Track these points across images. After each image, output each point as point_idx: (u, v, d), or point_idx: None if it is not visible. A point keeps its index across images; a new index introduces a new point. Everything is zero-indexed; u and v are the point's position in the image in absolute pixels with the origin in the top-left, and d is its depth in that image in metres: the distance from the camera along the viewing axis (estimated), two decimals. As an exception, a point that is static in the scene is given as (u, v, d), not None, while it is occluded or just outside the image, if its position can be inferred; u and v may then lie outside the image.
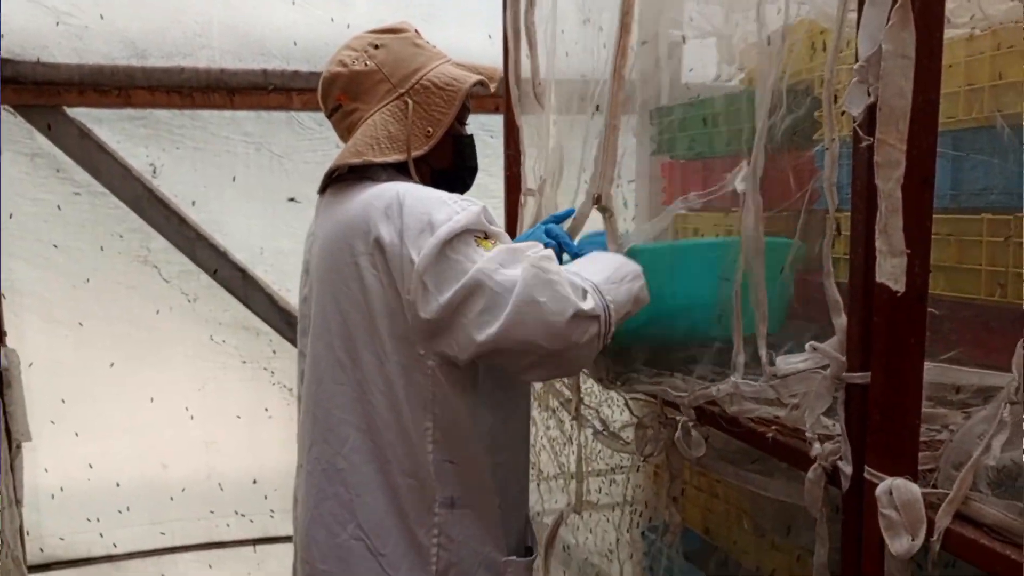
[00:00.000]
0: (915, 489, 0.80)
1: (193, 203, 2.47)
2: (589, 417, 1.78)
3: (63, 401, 2.40)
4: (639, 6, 1.77)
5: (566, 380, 1.78)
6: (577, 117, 1.83)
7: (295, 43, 2.41)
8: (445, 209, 1.19)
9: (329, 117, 1.40)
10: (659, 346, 1.39)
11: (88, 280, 2.41)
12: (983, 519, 0.75)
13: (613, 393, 1.72)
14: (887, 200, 0.82)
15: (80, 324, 2.41)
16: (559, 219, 1.51)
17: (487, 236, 1.20)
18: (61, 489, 2.45)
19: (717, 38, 1.81)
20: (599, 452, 1.83)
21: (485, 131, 2.39)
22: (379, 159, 1.28)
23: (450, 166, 1.38)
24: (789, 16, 1.33)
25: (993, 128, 1.21)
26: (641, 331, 1.34)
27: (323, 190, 1.39)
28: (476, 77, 1.34)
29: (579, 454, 1.81)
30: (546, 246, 1.40)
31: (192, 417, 2.52)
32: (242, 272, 2.51)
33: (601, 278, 1.20)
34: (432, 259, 1.15)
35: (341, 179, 1.35)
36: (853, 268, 0.89)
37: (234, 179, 2.48)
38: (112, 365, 2.45)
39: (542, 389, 1.93)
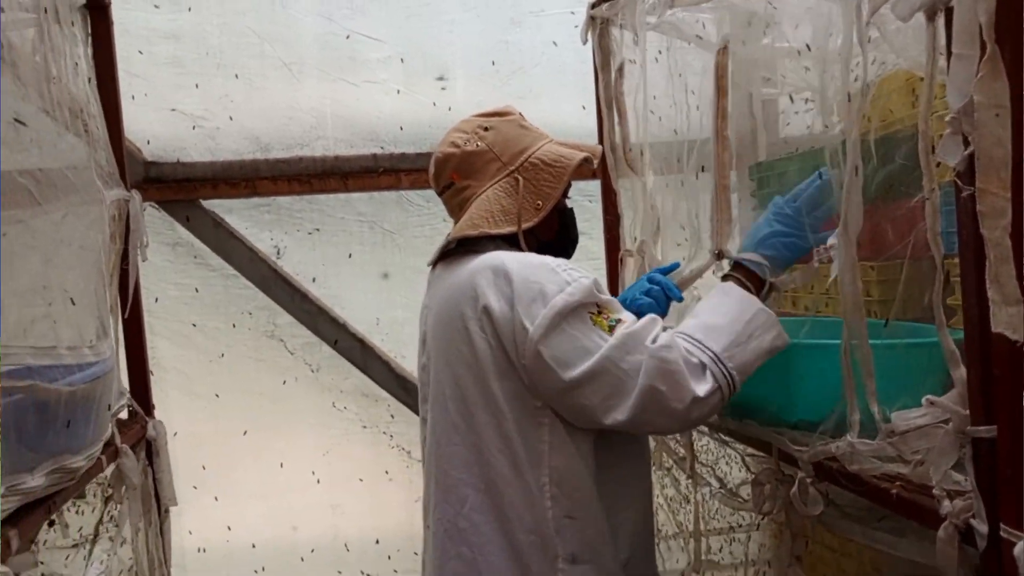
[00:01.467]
0: (1054, 547, 0.77)
1: (314, 280, 2.64)
2: (705, 475, 1.76)
3: (203, 468, 2.58)
4: (731, 66, 1.82)
5: (679, 438, 1.78)
6: (672, 177, 1.88)
7: (401, 128, 2.58)
8: (556, 279, 1.24)
9: (440, 195, 1.48)
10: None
11: (223, 355, 2.61)
12: None
13: (729, 450, 1.70)
14: (995, 248, 0.81)
15: (217, 396, 2.61)
16: (664, 271, 1.53)
17: (599, 309, 1.24)
18: (204, 550, 2.62)
19: (811, 91, 1.81)
20: (717, 510, 1.80)
21: (584, 196, 2.46)
22: (494, 231, 1.35)
23: (554, 238, 1.44)
24: (876, 69, 1.34)
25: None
26: (757, 416, 1.34)
27: (434, 264, 1.48)
28: (582, 154, 1.41)
29: (696, 512, 1.79)
30: (648, 292, 1.44)
31: (319, 481, 2.65)
32: (360, 342, 2.64)
33: (723, 344, 1.20)
34: (548, 330, 1.21)
35: (449, 253, 1.43)
36: (967, 319, 0.88)
37: (350, 256, 2.65)
38: (245, 433, 2.62)
39: (656, 448, 1.93)
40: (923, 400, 0.95)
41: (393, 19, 2.54)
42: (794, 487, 1.25)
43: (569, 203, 1.50)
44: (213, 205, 2.59)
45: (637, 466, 1.41)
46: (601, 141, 2.02)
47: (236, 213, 2.61)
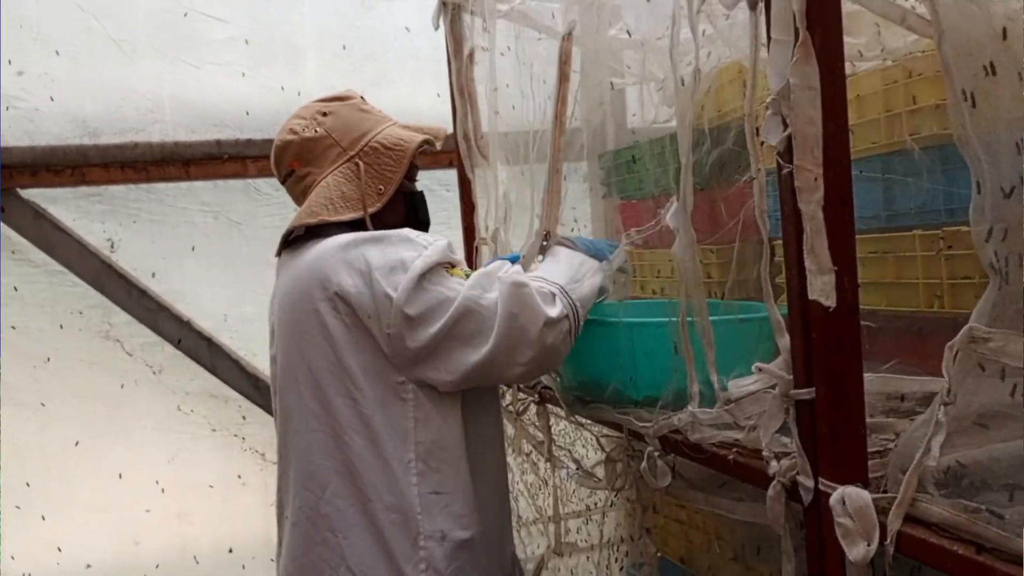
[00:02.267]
0: (865, 495, 0.83)
1: (153, 275, 2.47)
2: (562, 458, 1.79)
3: (28, 484, 2.35)
4: (579, 57, 1.85)
5: (537, 423, 1.80)
6: (524, 167, 1.90)
7: (247, 112, 2.46)
8: (412, 246, 1.27)
9: (283, 183, 1.46)
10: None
11: (48, 359, 2.39)
12: (931, 519, 0.78)
13: (586, 433, 1.74)
14: (811, 221, 0.87)
15: (43, 404, 2.38)
16: (510, 260, 1.56)
17: (454, 265, 1.29)
18: (29, 575, 2.38)
19: (654, 82, 1.89)
20: (574, 491, 1.84)
21: (441, 185, 2.44)
22: (334, 218, 1.34)
23: (403, 221, 1.43)
24: (711, 61, 1.41)
25: (916, 150, 1.28)
26: (603, 394, 1.38)
27: (280, 252, 1.44)
28: (422, 137, 1.42)
29: (554, 495, 1.82)
30: None
31: (163, 490, 2.48)
32: (207, 340, 2.50)
33: (564, 279, 1.31)
34: (411, 292, 1.23)
35: (296, 240, 1.39)
36: (790, 289, 0.94)
37: (193, 248, 2.49)
38: (77, 444, 2.41)
39: (515, 434, 1.95)
40: (753, 368, 1.01)
41: (236, -2, 2.42)
42: (643, 462, 1.29)
43: (418, 186, 1.49)
44: (33, 195, 2.36)
45: (495, 444, 1.43)
46: (455, 129, 2.01)
47: (61, 203, 2.39)
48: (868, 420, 0.92)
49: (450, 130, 1.79)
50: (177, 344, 2.48)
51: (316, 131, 1.39)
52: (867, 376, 0.93)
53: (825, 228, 0.87)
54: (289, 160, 1.41)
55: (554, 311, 1.24)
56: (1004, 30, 0.78)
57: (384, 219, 1.39)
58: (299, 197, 1.43)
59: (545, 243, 1.48)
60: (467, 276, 1.28)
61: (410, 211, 1.45)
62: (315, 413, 1.29)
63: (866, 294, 1.29)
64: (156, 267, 2.47)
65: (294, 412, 1.34)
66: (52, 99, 2.32)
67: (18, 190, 2.35)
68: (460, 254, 2.07)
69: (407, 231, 1.31)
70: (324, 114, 1.40)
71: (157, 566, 2.49)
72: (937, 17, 0.81)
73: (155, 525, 2.48)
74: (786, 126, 0.89)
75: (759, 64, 1.00)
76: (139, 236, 2.46)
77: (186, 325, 2.48)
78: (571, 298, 1.28)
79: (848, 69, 1.39)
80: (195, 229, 2.49)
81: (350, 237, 1.29)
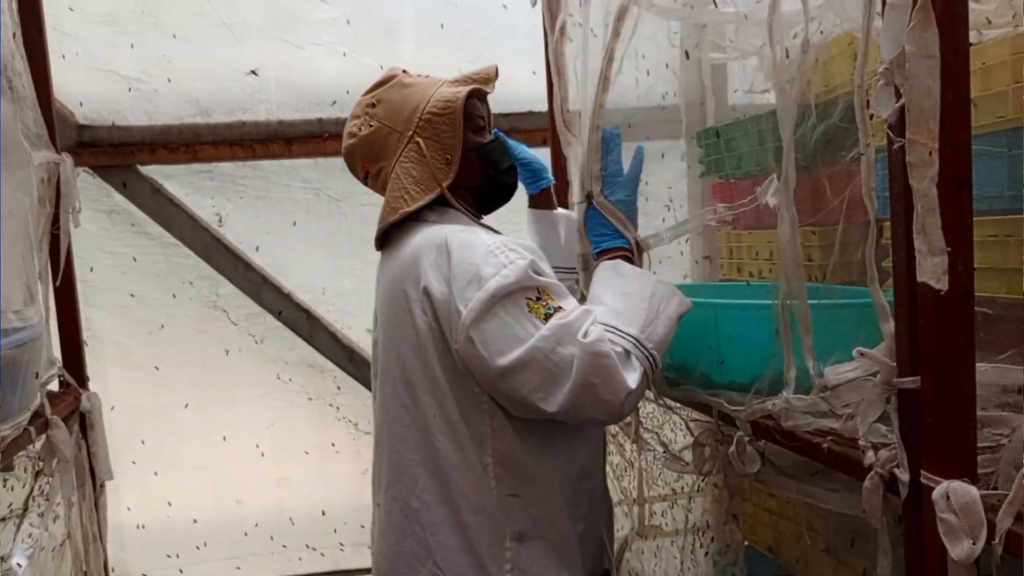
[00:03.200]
0: (973, 491, 0.78)
1: (257, 249, 2.58)
2: (650, 441, 1.77)
3: (142, 442, 2.51)
4: (679, 31, 1.80)
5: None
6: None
7: (347, 91, 2.51)
8: (492, 261, 1.20)
9: (365, 183, 1.46)
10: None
11: (163, 326, 2.54)
12: (1045, 519, 0.73)
13: (674, 417, 1.71)
14: (923, 199, 0.82)
15: (156, 368, 2.53)
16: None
17: (538, 295, 1.20)
18: (142, 526, 2.55)
19: (758, 57, 1.81)
20: (660, 475, 1.82)
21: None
22: (413, 207, 1.32)
23: (483, 177, 1.40)
24: (819, 30, 1.34)
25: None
26: (693, 379, 1.35)
27: (380, 245, 1.43)
28: (467, 88, 1.35)
29: (640, 477, 1.80)
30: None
31: (263, 454, 2.60)
32: (306, 312, 2.59)
33: (638, 325, 1.21)
34: (480, 315, 1.18)
35: (394, 227, 1.38)
36: (896, 271, 0.89)
37: (295, 224, 2.59)
38: (187, 406, 2.55)
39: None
40: (854, 353, 0.96)
41: (337, -21, 2.48)
42: (732, 446, 1.26)
43: (489, 137, 1.43)
44: (151, 171, 2.50)
45: (583, 444, 1.38)
46: (550, 106, 2.00)
47: (176, 179, 2.52)
48: (979, 413, 0.86)
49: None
50: (278, 315, 2.59)
51: (371, 125, 1.36)
52: (980, 366, 0.87)
53: (939, 206, 0.81)
54: (359, 163, 1.41)
55: (634, 378, 1.16)
56: None
57: (464, 182, 1.37)
58: (381, 191, 1.41)
59: (587, 203, 1.41)
60: (546, 317, 1.18)
61: (489, 165, 1.39)
62: (408, 409, 1.30)
63: (984, 280, 1.21)
64: (260, 241, 2.57)
65: (390, 404, 1.34)
66: (169, 80, 2.45)
67: (138, 166, 2.49)
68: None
69: (491, 241, 1.23)
70: (373, 105, 1.37)
71: (256, 525, 2.62)
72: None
73: (255, 486, 2.61)
74: (899, 97, 0.84)
75: (872, 33, 0.94)
76: (245, 211, 2.57)
77: (287, 297, 2.58)
78: (647, 348, 1.20)
79: (974, 37, 1.30)
80: (297, 205, 2.58)
81: (441, 236, 1.26)
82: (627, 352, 1.18)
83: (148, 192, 2.51)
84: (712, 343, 1.28)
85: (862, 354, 0.94)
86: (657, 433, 1.78)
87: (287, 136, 2.50)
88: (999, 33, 1.27)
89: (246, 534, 2.61)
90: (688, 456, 1.56)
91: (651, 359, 1.20)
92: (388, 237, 1.40)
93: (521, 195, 1.62)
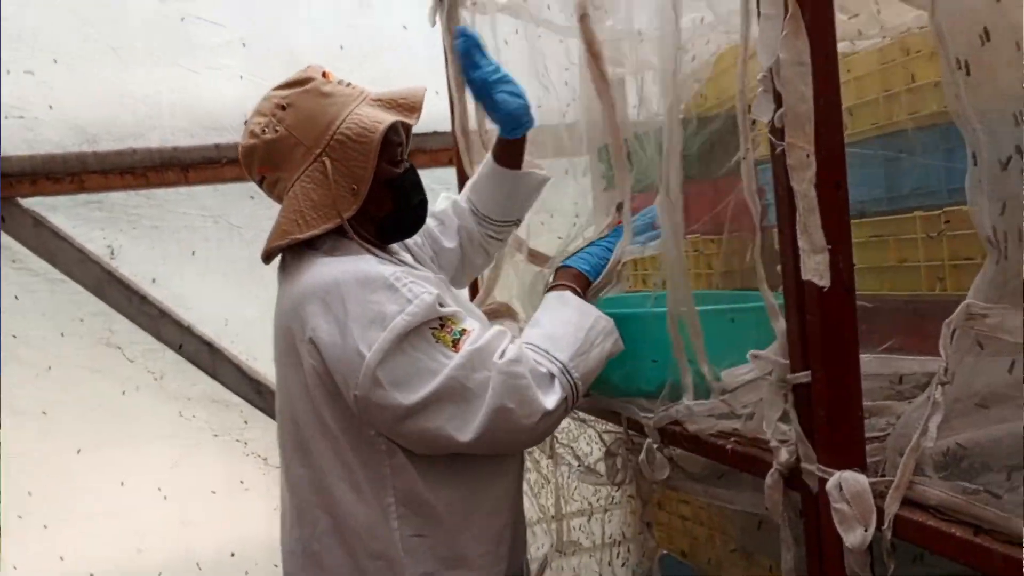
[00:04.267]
0: (862, 479, 0.81)
1: (154, 281, 2.46)
2: (565, 455, 1.77)
3: (29, 493, 2.33)
4: (577, 48, 1.83)
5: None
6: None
7: (246, 116, 2.44)
8: (396, 297, 1.13)
9: (259, 186, 1.32)
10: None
11: (50, 368, 2.38)
12: (928, 502, 0.76)
13: (588, 430, 1.72)
14: (804, 200, 0.85)
15: (44, 413, 2.37)
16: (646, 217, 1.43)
17: (442, 323, 1.15)
18: (31, 585, 2.37)
19: (654, 72, 1.87)
20: (576, 489, 1.82)
21: (441, 184, 2.42)
22: (306, 234, 1.20)
23: (392, 211, 1.30)
24: (709, 47, 1.39)
25: (915, 130, 1.26)
26: (611, 389, 1.35)
27: (268, 262, 1.31)
28: (390, 119, 1.22)
29: (556, 493, 1.79)
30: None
31: (165, 497, 2.46)
32: (208, 345, 2.49)
33: (569, 353, 1.18)
34: (387, 354, 1.11)
35: (290, 251, 1.27)
36: (784, 271, 0.91)
37: (194, 253, 2.49)
38: (79, 452, 2.40)
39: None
40: (748, 355, 0.98)
41: (232, 1, 2.41)
42: (642, 454, 1.27)
43: (404, 166, 1.30)
44: (33, 203, 2.36)
45: (496, 475, 1.30)
46: (453, 126, 2.00)
47: (61, 211, 2.39)
48: (866, 404, 0.90)
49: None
50: (178, 349, 2.47)
51: (276, 131, 1.22)
52: (865, 357, 0.90)
53: (818, 206, 0.84)
54: (257, 167, 1.27)
55: (552, 400, 1.13)
56: (997, -7, 0.76)
57: (370, 214, 1.26)
58: (278, 202, 1.28)
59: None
60: (454, 343, 1.13)
61: (399, 198, 1.29)
62: (303, 450, 1.23)
63: (867, 279, 1.27)
64: (156, 273, 2.46)
65: (287, 444, 1.28)
66: (51, 107, 2.32)
67: (18, 199, 2.34)
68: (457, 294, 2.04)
69: (390, 273, 1.16)
70: (283, 108, 1.23)
71: (160, 573, 2.47)
72: (928, -15, 0.79)
73: (158, 532, 2.46)
74: (779, 104, 0.87)
75: (751, 42, 0.98)
76: (139, 242, 2.45)
77: (187, 330, 2.47)
78: (572, 377, 1.17)
79: (846, 48, 1.37)
80: (195, 234, 2.48)
81: (330, 277, 1.17)
82: (551, 375, 1.15)
83: (30, 225, 2.36)
84: (622, 355, 1.29)
85: (756, 356, 0.96)
86: (572, 447, 1.79)
87: (183, 163, 2.41)
88: (868, 44, 1.35)
89: (149, 584, 2.47)
90: (601, 468, 1.57)
91: (574, 388, 1.17)
92: (281, 258, 1.31)
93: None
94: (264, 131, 1.24)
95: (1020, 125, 0.77)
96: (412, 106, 1.27)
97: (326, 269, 1.19)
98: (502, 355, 1.13)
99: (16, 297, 2.36)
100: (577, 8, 1.51)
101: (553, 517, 1.82)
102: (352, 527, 1.20)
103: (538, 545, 1.91)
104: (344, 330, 1.13)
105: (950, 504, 0.73)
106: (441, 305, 1.16)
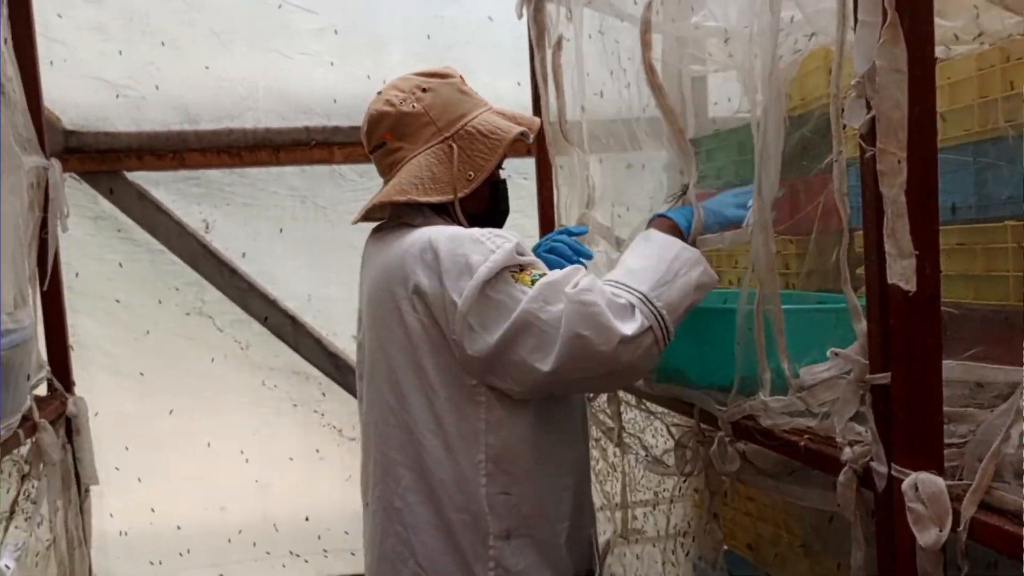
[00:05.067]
0: (939, 481, 0.82)
1: (244, 255, 2.59)
2: (632, 445, 1.80)
3: (127, 448, 2.51)
4: (660, 44, 1.85)
5: (608, 410, 1.82)
6: (607, 155, 1.91)
7: (335, 100, 2.55)
8: (480, 248, 1.23)
9: (371, 153, 1.44)
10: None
11: (148, 332, 2.54)
12: (1006, 507, 0.77)
13: (656, 423, 1.75)
14: (892, 205, 0.86)
15: (141, 375, 2.54)
16: (572, 233, 1.56)
17: (522, 269, 1.24)
18: (126, 533, 2.55)
19: (738, 71, 1.87)
20: (643, 478, 1.85)
21: (519, 174, 2.47)
22: (423, 199, 1.32)
23: (485, 209, 1.42)
24: (796, 46, 1.39)
25: (1013, 138, 1.24)
26: (684, 381, 1.38)
27: (360, 220, 1.44)
28: (519, 128, 1.38)
29: (623, 481, 1.83)
30: (551, 250, 1.47)
31: (247, 460, 2.61)
32: (292, 319, 2.61)
33: (650, 284, 1.20)
34: (474, 300, 1.21)
35: (381, 228, 1.42)
36: (868, 273, 0.93)
37: (281, 231, 2.61)
38: (171, 412, 2.56)
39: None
40: (828, 353, 1.00)
41: (327, -10, 2.51)
42: (713, 446, 1.29)
43: (503, 175, 1.48)
44: (138, 177, 2.51)
45: (573, 442, 1.40)
46: (536, 116, 2.04)
47: (163, 186, 2.54)
48: (947, 409, 0.91)
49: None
50: (264, 322, 2.60)
51: (414, 106, 1.35)
52: (947, 363, 0.91)
53: (907, 212, 0.86)
54: (383, 132, 1.38)
55: (630, 327, 1.16)
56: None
57: (467, 205, 1.37)
58: (386, 170, 1.41)
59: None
60: (532, 283, 1.21)
61: (493, 200, 1.44)
62: (393, 408, 1.31)
63: (953, 287, 1.26)
64: (247, 248, 2.59)
65: (375, 405, 1.36)
66: (157, 87, 2.47)
67: (125, 173, 2.50)
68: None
69: (476, 231, 1.27)
70: (424, 89, 1.37)
71: (240, 531, 2.62)
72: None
73: (239, 493, 2.61)
74: (870, 109, 0.89)
75: (846, 47, 0.99)
76: (232, 218, 2.59)
77: (272, 304, 2.60)
78: (655, 306, 1.18)
79: (942, 53, 1.36)
80: (284, 212, 2.60)
81: (425, 236, 1.28)
82: (630, 305, 1.18)
83: (135, 198, 2.52)
84: (687, 347, 1.32)
85: (836, 353, 0.98)
86: (639, 437, 1.82)
87: (275, 144, 2.53)
88: (966, 49, 1.33)
89: (230, 541, 2.61)
90: (670, 459, 1.60)
91: (659, 317, 1.18)
92: (374, 232, 1.42)
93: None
94: (402, 103, 1.36)
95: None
96: (532, 127, 1.43)
97: (420, 232, 1.30)
98: (575, 286, 1.18)
99: (120, 265, 2.52)
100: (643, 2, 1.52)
101: (618, 505, 1.85)
102: (440, 480, 1.28)
103: (602, 531, 1.96)
104: (441, 282, 1.23)
105: (1028, 510, 0.75)
106: (520, 253, 1.25)
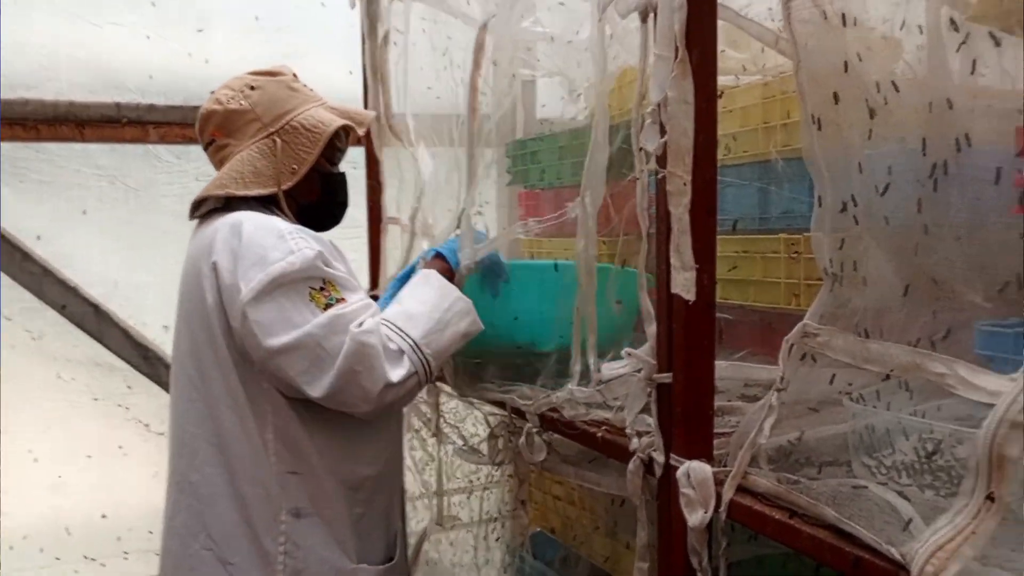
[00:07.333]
0: (707, 469, 0.93)
1: (39, 238, 2.37)
2: (450, 434, 1.86)
3: None
4: (492, 47, 1.91)
5: (427, 399, 1.86)
6: (437, 149, 1.93)
7: (151, 76, 2.38)
8: (281, 245, 1.27)
9: (204, 150, 1.48)
10: (508, 359, 1.50)
11: (-83, 320, 2.26)
12: (757, 489, 0.89)
13: (476, 412, 1.81)
14: (678, 223, 0.96)
15: (-90, 369, 2.25)
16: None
17: (322, 285, 1.27)
18: None
19: (562, 77, 1.96)
20: (459, 467, 1.91)
21: (348, 163, 2.43)
22: (241, 192, 1.37)
23: (317, 201, 1.47)
24: (616, 61, 1.49)
25: (787, 160, 1.41)
26: (489, 341, 1.45)
27: (192, 217, 1.46)
28: (341, 122, 1.43)
29: (439, 470, 1.88)
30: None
31: (36, 460, 2.39)
32: (94, 307, 2.42)
33: (421, 331, 1.30)
34: (259, 296, 1.24)
35: (210, 213, 1.41)
36: (659, 282, 1.03)
37: (84, 212, 2.41)
38: (-56, 410, 2.29)
39: (406, 412, 1.99)
40: (623, 352, 1.10)
41: (144, -43, 2.34)
42: (522, 437, 1.37)
43: (341, 169, 1.53)
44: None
45: (376, 433, 1.43)
46: (366, 108, 2.03)
47: (-64, 156, 2.26)
48: (720, 404, 1.03)
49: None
50: (61, 310, 2.39)
51: (240, 104, 1.40)
52: (722, 363, 1.03)
53: (690, 230, 0.96)
54: (212, 129, 1.43)
55: (397, 373, 1.24)
56: (845, 64, 0.89)
57: (298, 197, 1.43)
58: (217, 166, 1.45)
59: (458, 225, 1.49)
60: (326, 307, 1.26)
61: (327, 192, 1.48)
62: (194, 382, 1.34)
63: (734, 289, 1.42)
64: (42, 230, 2.37)
65: (179, 380, 1.38)
66: (-66, 46, 2.19)
67: None
68: (363, 240, 2.09)
69: (286, 226, 1.30)
70: (252, 87, 1.42)
71: (25, 537, 2.40)
72: (795, 46, 0.91)
73: (25, 495, 2.38)
74: (664, 134, 0.98)
75: (646, 75, 1.09)
76: (25, 197, 2.35)
77: (72, 291, 2.39)
78: (423, 353, 1.28)
79: (732, 81, 1.51)
80: (88, 193, 2.40)
81: (238, 218, 1.31)
82: (400, 351, 1.27)
83: (-99, 169, 2.23)
84: (509, 303, 1.41)
85: (630, 353, 1.08)
86: (458, 427, 1.88)
87: (79, 119, 2.33)
88: (753, 79, 1.50)
89: (12, 548, 2.38)
90: (485, 448, 1.67)
91: (425, 364, 1.29)
92: (204, 217, 1.42)
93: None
94: (229, 101, 1.41)
95: (863, 173, 0.91)
96: (360, 121, 1.50)
97: (235, 215, 1.33)
98: (360, 325, 1.25)
99: None
100: (483, 16, 1.59)
101: (435, 493, 1.91)
102: (237, 454, 1.31)
103: (419, 519, 2.00)
104: (235, 263, 1.27)
105: (774, 492, 0.87)
106: (324, 264, 1.28)
